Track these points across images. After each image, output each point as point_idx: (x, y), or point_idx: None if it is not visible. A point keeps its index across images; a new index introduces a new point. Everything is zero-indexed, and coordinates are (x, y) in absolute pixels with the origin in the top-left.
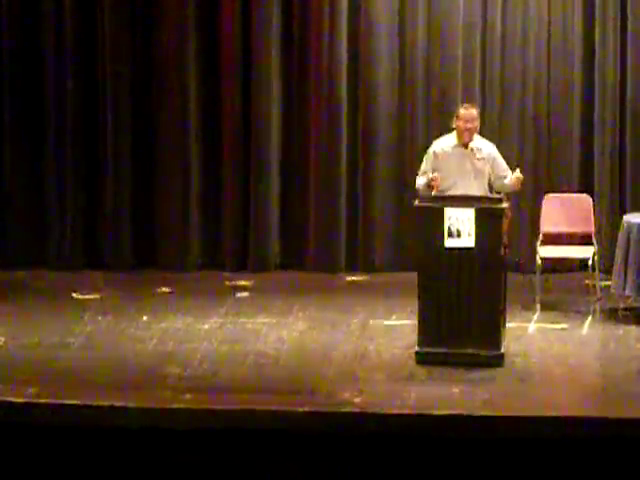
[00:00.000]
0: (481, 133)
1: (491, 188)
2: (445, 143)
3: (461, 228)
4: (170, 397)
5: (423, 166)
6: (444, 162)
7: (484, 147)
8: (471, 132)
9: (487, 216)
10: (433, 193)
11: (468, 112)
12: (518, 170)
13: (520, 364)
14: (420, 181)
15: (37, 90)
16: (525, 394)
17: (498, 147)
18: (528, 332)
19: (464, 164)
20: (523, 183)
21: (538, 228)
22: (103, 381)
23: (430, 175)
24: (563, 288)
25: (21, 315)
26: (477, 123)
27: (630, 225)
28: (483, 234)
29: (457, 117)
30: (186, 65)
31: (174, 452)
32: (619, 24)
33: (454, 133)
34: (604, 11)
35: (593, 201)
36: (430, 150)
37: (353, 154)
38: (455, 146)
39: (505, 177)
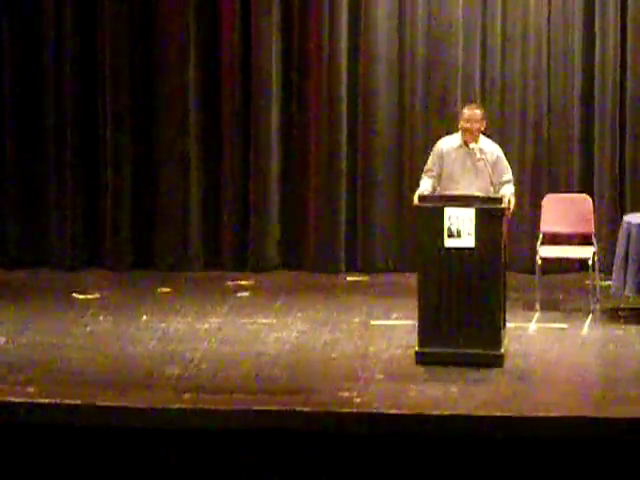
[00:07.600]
0: (482, 133)
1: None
2: (450, 142)
3: (461, 228)
4: (170, 397)
5: (429, 163)
6: (448, 161)
7: (487, 148)
8: (473, 132)
9: (487, 216)
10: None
11: (471, 112)
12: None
13: (520, 364)
14: (425, 184)
15: (37, 90)
16: (525, 394)
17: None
18: (528, 332)
19: (466, 164)
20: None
21: (538, 228)
22: (103, 381)
23: (434, 172)
24: (563, 288)
25: (21, 315)
26: (481, 124)
27: (630, 225)
28: (483, 234)
29: (461, 117)
30: (186, 66)
31: (174, 452)
32: (619, 24)
33: (460, 133)
34: (604, 11)
35: (593, 201)
36: (436, 148)
37: (353, 154)
38: (459, 146)
39: (505, 184)
